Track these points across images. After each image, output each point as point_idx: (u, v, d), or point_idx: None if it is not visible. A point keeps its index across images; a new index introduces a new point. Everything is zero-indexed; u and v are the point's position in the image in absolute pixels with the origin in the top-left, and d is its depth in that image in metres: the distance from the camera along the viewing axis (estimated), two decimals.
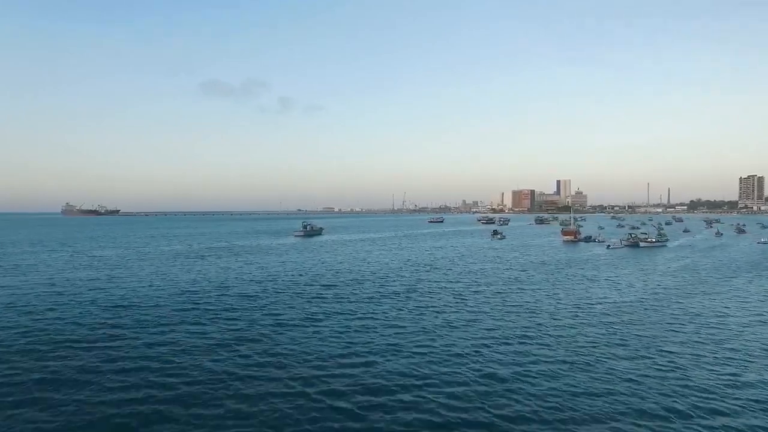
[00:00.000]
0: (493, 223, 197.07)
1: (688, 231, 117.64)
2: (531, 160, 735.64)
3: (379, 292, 33.62)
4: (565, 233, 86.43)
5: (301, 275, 42.15)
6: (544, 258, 57.43)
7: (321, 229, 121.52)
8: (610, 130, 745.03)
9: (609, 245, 72.33)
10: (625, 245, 73.30)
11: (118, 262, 52.44)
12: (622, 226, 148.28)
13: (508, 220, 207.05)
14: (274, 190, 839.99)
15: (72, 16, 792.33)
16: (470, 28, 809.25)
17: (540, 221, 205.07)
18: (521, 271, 45.57)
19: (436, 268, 47.11)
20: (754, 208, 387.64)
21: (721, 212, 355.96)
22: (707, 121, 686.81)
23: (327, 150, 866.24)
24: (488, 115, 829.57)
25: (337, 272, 43.85)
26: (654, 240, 75.40)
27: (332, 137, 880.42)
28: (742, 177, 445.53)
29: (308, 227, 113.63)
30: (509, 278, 40.52)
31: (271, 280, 38.99)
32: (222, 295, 32.43)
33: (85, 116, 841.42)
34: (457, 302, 29.99)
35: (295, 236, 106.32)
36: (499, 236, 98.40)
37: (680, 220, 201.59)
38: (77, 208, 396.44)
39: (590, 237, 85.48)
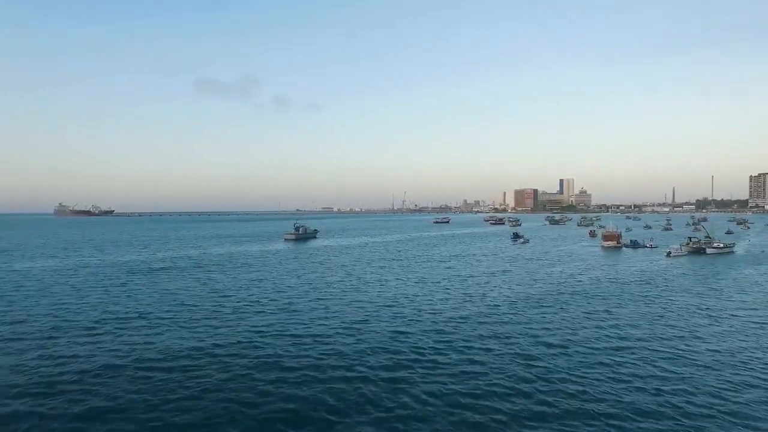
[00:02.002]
0: (503, 223, 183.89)
1: (732, 233, 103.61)
2: (532, 160, 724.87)
3: (387, 350, 19.86)
4: (605, 238, 72.08)
5: (271, 311, 28.25)
6: (609, 272, 43.29)
7: (315, 231, 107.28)
8: (611, 129, 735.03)
9: (669, 252, 58.35)
10: (688, 252, 59.53)
11: (33, 282, 38.54)
12: (649, 227, 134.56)
13: (519, 220, 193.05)
14: (273, 190, 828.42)
15: (72, 16, 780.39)
16: (470, 28, 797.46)
17: (554, 221, 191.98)
18: (591, 298, 31.43)
19: (471, 298, 32.30)
20: (766, 207, 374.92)
21: (731, 211, 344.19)
22: (708, 120, 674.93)
23: (326, 150, 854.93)
24: (488, 115, 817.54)
25: (326, 308, 29.50)
26: (722, 245, 61.46)
27: (332, 137, 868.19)
28: (753, 175, 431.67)
29: (301, 229, 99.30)
30: (587, 316, 26.41)
31: (223, 324, 25.04)
32: (132, 354, 18.63)
33: (83, 116, 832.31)
34: (534, 388, 16.13)
35: (285, 240, 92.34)
36: (521, 240, 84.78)
37: (704, 220, 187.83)
38: (70, 208, 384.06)
39: (637, 242, 71.32)
